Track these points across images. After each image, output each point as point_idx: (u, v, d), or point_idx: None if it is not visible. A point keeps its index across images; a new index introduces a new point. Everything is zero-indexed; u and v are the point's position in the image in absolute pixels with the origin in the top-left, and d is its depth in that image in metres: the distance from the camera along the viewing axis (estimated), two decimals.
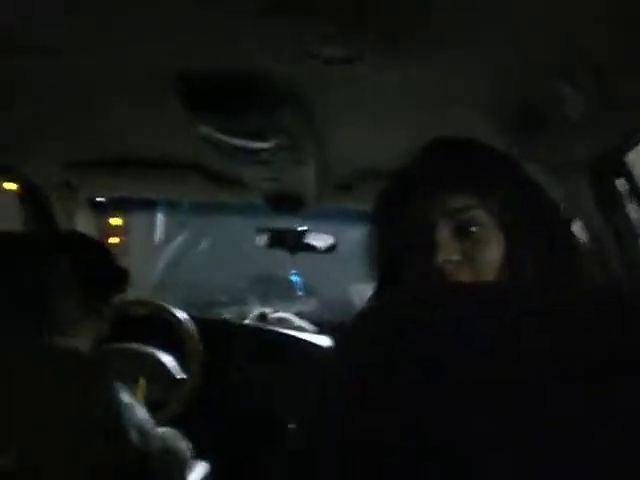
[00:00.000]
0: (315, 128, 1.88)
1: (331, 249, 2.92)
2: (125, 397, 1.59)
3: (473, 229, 0.93)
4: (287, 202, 2.50)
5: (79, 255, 1.67)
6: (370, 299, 0.99)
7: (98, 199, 3.13)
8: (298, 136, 1.84)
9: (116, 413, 1.50)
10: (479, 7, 1.12)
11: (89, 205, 2.96)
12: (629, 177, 1.51)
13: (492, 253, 0.93)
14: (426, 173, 0.98)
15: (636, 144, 1.41)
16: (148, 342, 2.64)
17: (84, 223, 2.88)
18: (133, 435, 1.54)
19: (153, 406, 2.24)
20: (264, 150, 1.87)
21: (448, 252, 0.92)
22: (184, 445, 1.86)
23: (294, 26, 1.24)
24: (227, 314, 3.45)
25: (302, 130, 1.84)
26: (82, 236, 1.91)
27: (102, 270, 1.74)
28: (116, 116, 1.92)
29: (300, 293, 4.09)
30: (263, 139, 1.81)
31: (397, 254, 0.98)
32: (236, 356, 2.77)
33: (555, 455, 0.49)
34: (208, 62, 1.50)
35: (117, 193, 2.96)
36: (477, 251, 0.92)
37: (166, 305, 2.79)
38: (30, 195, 2.58)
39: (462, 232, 0.93)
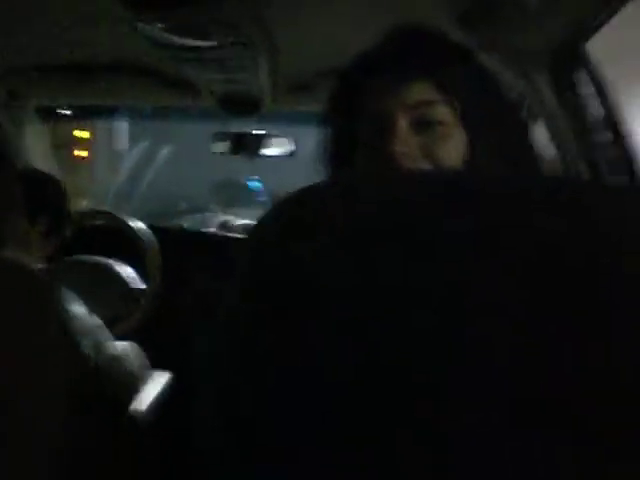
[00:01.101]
0: (265, 23, 1.79)
1: (291, 153, 2.85)
2: (77, 308, 1.56)
3: (434, 124, 0.89)
4: (241, 104, 2.43)
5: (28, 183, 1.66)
6: None
7: (61, 111, 3.04)
8: (247, 32, 1.74)
9: (66, 325, 1.48)
10: None
11: (45, 116, 2.87)
12: (589, 67, 1.46)
13: (451, 151, 0.89)
14: (387, 60, 0.93)
15: (594, 32, 1.36)
16: (106, 253, 2.60)
17: (35, 134, 2.79)
18: (85, 346, 1.52)
19: (113, 318, 2.23)
20: (211, 48, 1.78)
21: (406, 144, 0.88)
22: (140, 355, 1.84)
23: None
24: (188, 223, 3.39)
25: (251, 25, 1.74)
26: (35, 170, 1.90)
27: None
28: (52, 16, 1.81)
29: (261, 199, 4.04)
30: (209, 37, 1.72)
31: (352, 143, 0.94)
32: (195, 265, 2.73)
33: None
34: None
35: (64, 101, 2.86)
36: (436, 147, 0.89)
37: (123, 215, 2.73)
38: None
39: (422, 126, 0.89)
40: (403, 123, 0.88)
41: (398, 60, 0.91)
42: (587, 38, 1.42)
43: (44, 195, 1.81)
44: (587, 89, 1.50)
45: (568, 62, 1.48)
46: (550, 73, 1.48)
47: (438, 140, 0.89)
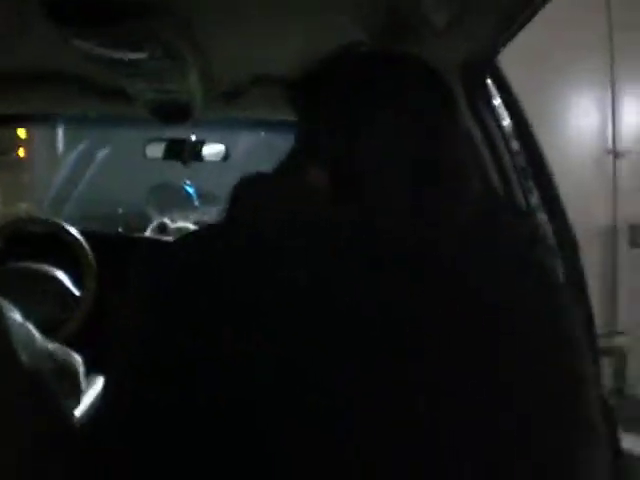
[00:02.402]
0: (193, 34, 1.83)
1: (224, 158, 2.90)
2: (12, 317, 1.58)
3: None
4: (173, 112, 2.46)
5: None
6: None
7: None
8: (175, 44, 1.79)
9: (3, 336, 1.50)
10: None
11: None
12: (500, 81, 1.54)
13: None
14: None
15: (502, 47, 1.43)
16: (42, 260, 2.61)
17: None
18: (22, 356, 1.54)
19: (49, 324, 2.24)
20: (141, 61, 1.82)
21: None
22: (77, 361, 1.86)
23: None
24: (125, 227, 3.41)
25: (179, 37, 1.79)
26: None
27: None
28: None
29: (197, 203, 4.07)
30: (138, 49, 1.75)
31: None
32: (132, 270, 2.75)
33: None
34: None
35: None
36: None
37: (58, 221, 2.75)
38: None
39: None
40: None
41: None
42: (496, 54, 1.49)
43: None
44: (497, 99, 1.58)
45: (479, 74, 1.55)
46: (462, 86, 1.55)
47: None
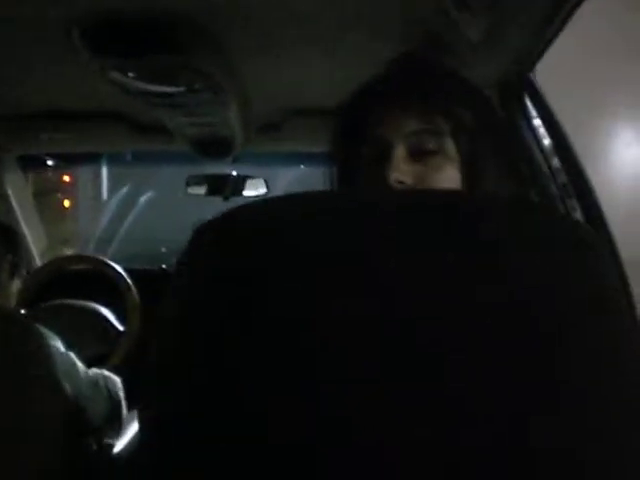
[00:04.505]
0: (232, 66, 1.85)
1: (264, 194, 2.92)
2: (56, 345, 1.59)
3: (431, 153, 0.92)
4: (214, 146, 2.48)
5: None
6: None
7: (47, 160, 3.08)
8: (215, 76, 1.80)
9: (48, 364, 1.51)
10: None
11: (27, 164, 2.92)
12: (536, 96, 1.53)
13: (445, 180, 0.92)
14: (389, 89, 0.97)
15: (534, 63, 1.43)
16: (87, 297, 2.64)
17: (16, 183, 2.83)
18: (65, 383, 1.55)
19: (94, 360, 2.26)
20: (180, 94, 1.84)
21: (401, 173, 0.91)
22: (119, 389, 1.87)
23: None
24: (168, 265, 3.43)
25: (218, 70, 1.81)
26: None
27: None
28: (28, 67, 1.88)
29: None
30: (177, 82, 1.78)
31: (357, 167, 0.97)
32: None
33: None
34: (109, 5, 1.47)
35: (43, 149, 2.91)
36: (431, 175, 0.92)
37: (102, 258, 2.78)
38: None
39: (419, 154, 0.92)
40: (400, 152, 0.91)
41: (399, 90, 0.95)
42: (531, 68, 1.49)
43: (8, 242, 1.94)
44: (535, 116, 1.56)
45: (516, 91, 1.55)
46: (500, 102, 1.55)
47: (434, 168, 0.91)
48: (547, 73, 1.56)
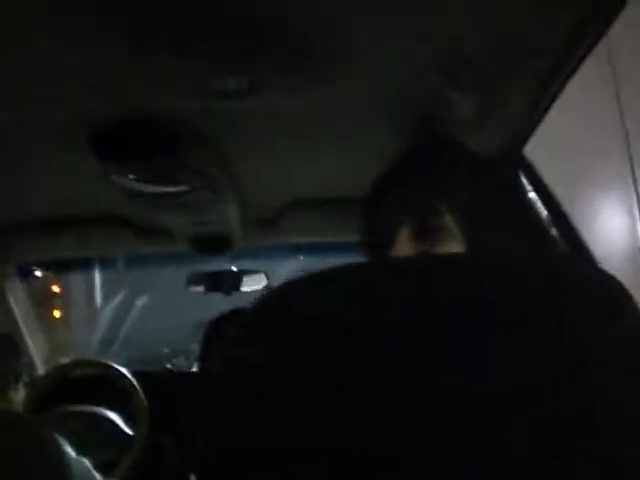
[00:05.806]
0: (228, 165, 1.90)
1: (265, 286, 2.94)
2: (68, 451, 1.59)
3: (436, 230, 0.94)
4: (213, 243, 2.51)
5: None
6: None
7: (35, 270, 3.09)
8: (212, 175, 1.85)
9: (65, 471, 1.50)
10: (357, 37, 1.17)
11: (22, 275, 2.93)
12: (529, 170, 1.57)
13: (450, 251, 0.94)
14: (401, 174, 1.02)
15: (526, 139, 1.48)
16: (93, 401, 2.62)
17: (16, 291, 2.84)
18: None
19: (105, 465, 2.23)
20: (180, 194, 1.87)
21: (403, 251, 0.94)
22: None
23: (185, 62, 1.27)
24: (172, 364, 3.42)
25: (215, 169, 1.85)
26: None
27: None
28: (29, 173, 1.92)
29: None
30: (176, 183, 1.81)
31: (367, 249, 1.01)
32: (183, 404, 2.74)
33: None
34: (109, 109, 1.52)
35: (43, 256, 2.92)
36: (434, 250, 0.94)
37: (108, 362, 2.77)
38: None
39: (424, 232, 0.95)
40: (405, 232, 0.95)
41: (409, 175, 1.00)
42: (524, 142, 1.53)
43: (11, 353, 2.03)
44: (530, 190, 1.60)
45: (509, 166, 1.59)
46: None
47: (438, 244, 0.94)
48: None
